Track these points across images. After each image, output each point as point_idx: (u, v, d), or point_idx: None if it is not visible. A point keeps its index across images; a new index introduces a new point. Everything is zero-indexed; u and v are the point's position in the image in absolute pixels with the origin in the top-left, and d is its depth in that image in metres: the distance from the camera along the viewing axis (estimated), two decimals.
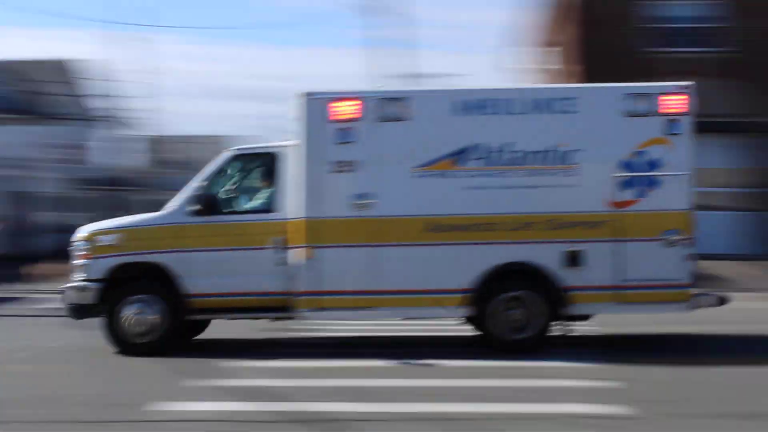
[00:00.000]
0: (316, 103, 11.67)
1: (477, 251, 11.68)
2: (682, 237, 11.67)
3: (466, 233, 11.71)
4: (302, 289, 11.66)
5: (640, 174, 11.76)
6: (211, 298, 11.91)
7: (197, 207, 11.93)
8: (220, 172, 12.17)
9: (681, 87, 11.89)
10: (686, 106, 11.81)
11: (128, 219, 12.47)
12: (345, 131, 11.74)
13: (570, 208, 11.71)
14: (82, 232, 12.22)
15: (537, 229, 11.67)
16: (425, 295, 11.69)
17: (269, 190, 12.01)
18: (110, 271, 11.82)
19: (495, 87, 12.22)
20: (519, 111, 11.82)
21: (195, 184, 12.11)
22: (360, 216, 11.66)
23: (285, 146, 11.97)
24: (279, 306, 11.68)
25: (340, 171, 11.69)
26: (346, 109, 11.76)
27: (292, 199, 11.76)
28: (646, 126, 11.79)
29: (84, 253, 12.04)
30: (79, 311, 12.01)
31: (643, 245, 11.64)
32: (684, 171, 11.81)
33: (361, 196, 11.72)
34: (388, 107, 11.81)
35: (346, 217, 11.65)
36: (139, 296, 11.96)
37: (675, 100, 11.82)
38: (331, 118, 11.72)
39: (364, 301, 11.66)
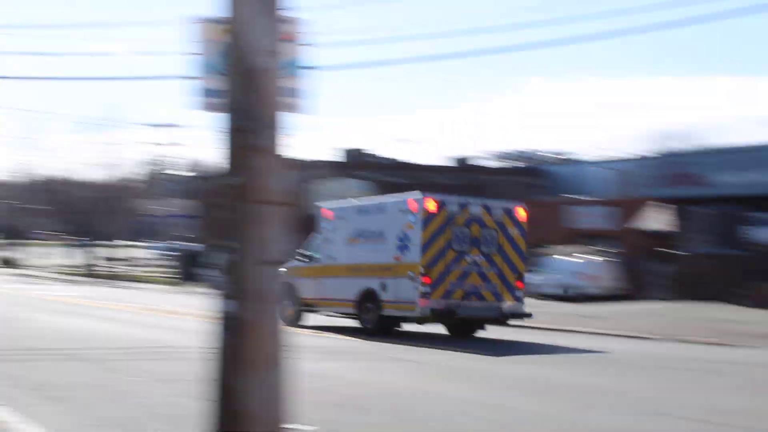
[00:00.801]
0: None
1: (357, 281, 24.60)
2: (415, 276, 22.62)
3: (355, 272, 24.88)
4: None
5: (403, 243, 23.34)
6: (308, 300, 26.64)
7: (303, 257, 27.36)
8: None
9: (416, 196, 23.00)
10: (417, 206, 22.76)
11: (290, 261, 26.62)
12: (329, 221, 26.54)
13: (382, 261, 23.95)
14: None
15: (373, 271, 23.96)
16: (340, 301, 25.38)
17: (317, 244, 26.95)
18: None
19: (370, 201, 25.71)
20: (373, 212, 24.59)
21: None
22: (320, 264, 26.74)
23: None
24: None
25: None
26: (327, 213, 26.31)
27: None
28: (405, 218, 23.17)
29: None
30: None
31: (404, 280, 23.06)
32: (418, 242, 22.86)
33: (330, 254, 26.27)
34: (339, 213, 26.01)
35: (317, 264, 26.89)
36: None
37: (414, 203, 23.00)
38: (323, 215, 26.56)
39: (314, 302, 26.43)
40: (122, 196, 74.02)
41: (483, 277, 22.96)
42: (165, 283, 61.52)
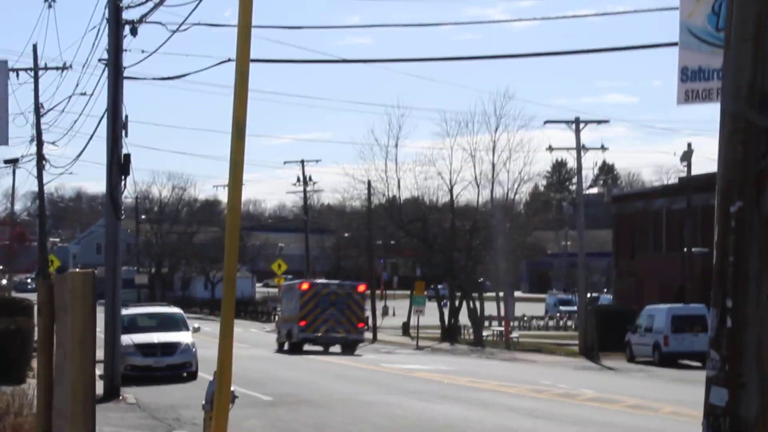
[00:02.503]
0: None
1: (285, 325, 57.96)
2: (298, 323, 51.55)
3: (285, 321, 58.06)
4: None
5: (296, 305, 54.59)
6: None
7: None
8: None
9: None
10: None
11: None
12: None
13: (292, 314, 54.97)
14: None
15: (288, 320, 56.54)
16: None
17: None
18: None
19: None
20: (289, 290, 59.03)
21: None
22: None
23: None
24: None
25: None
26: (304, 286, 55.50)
27: None
28: (296, 292, 55.87)
29: None
30: None
31: (296, 324, 54.56)
32: (299, 304, 54.14)
33: None
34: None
35: None
36: None
37: (300, 284, 57.98)
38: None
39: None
40: (500, 224, 67.06)
41: (337, 321, 52.60)
42: (569, 353, 58.85)
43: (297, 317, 52.94)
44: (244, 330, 75.59)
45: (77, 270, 7.19)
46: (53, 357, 8.55)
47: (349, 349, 53.20)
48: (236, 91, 9.53)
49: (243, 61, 9.74)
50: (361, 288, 55.51)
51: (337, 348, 53.92)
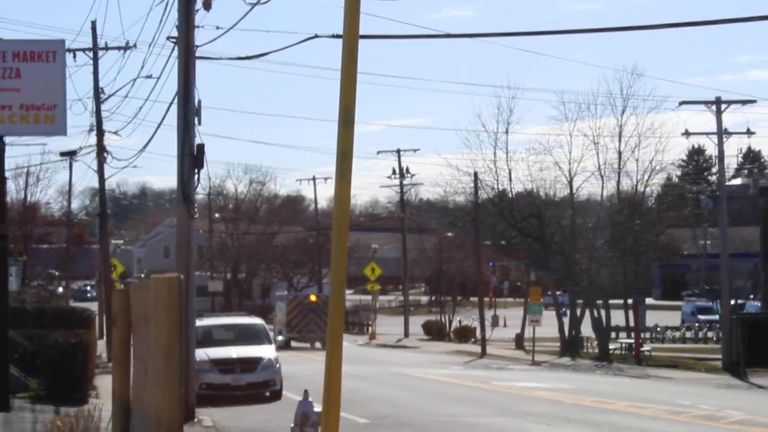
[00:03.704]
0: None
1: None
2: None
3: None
4: None
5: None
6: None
7: None
8: None
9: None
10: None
11: None
12: None
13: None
14: None
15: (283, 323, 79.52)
16: None
17: None
18: None
19: None
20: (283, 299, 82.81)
21: None
22: None
23: None
24: None
25: None
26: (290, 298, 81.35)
27: None
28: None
29: None
30: None
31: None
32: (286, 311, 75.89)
33: None
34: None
35: None
36: None
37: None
38: None
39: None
40: (628, 221, 67.01)
41: (316, 324, 74.64)
42: (710, 369, 58.38)
43: (285, 321, 77.60)
44: None
45: (165, 275, 7.30)
46: (130, 374, 8.70)
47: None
48: (343, 72, 9.36)
49: (351, 35, 9.54)
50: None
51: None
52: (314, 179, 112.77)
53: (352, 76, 9.37)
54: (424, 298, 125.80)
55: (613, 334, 71.77)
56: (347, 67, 9.35)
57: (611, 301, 70.35)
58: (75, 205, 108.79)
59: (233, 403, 33.96)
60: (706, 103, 60.18)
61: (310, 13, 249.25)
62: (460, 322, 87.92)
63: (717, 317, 70.25)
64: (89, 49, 55.70)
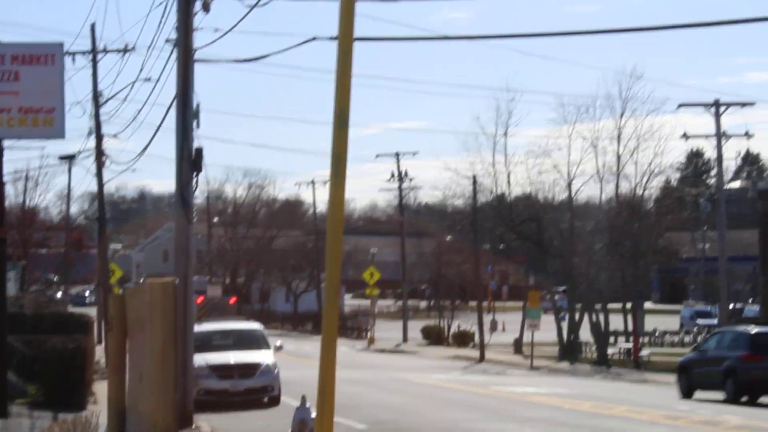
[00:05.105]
0: None
1: None
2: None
3: None
4: None
5: None
6: None
7: None
8: None
9: None
10: None
11: None
12: None
13: None
14: None
15: None
16: None
17: None
18: None
19: None
20: None
21: None
22: None
23: None
24: None
25: None
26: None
27: None
28: None
29: None
30: None
31: None
32: None
33: None
34: None
35: None
36: None
37: None
38: None
39: None
40: (627, 224, 66.95)
41: None
42: None
43: None
44: None
45: (159, 280, 7.26)
46: (126, 380, 8.62)
47: None
48: (338, 74, 9.40)
49: (346, 38, 9.61)
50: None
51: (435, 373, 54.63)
52: (313, 183, 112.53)
53: (347, 79, 9.39)
54: (423, 303, 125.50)
55: (611, 339, 71.76)
56: (342, 70, 9.37)
57: (610, 305, 70.27)
58: (74, 209, 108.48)
59: (231, 409, 33.75)
60: (704, 105, 60.15)
61: (309, 15, 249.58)
62: (458, 326, 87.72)
63: (715, 321, 70.10)
64: (88, 52, 55.64)
